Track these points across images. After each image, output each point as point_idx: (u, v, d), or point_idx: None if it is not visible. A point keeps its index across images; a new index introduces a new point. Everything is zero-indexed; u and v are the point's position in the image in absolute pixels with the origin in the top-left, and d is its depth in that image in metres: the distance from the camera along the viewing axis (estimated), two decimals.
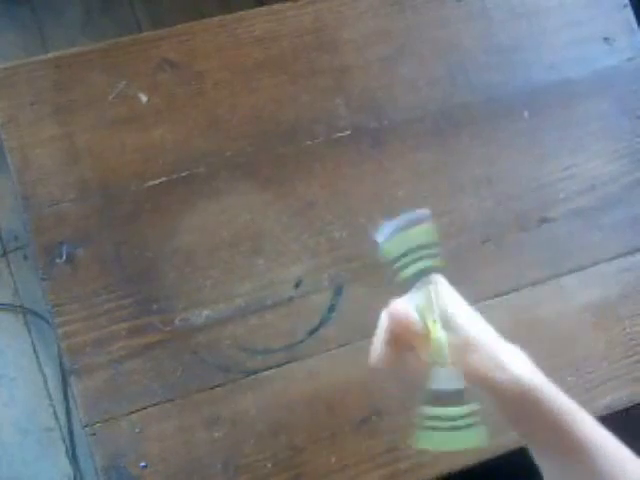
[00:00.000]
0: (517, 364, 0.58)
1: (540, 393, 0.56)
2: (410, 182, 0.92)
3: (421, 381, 0.58)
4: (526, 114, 0.97)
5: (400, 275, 0.61)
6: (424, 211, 0.61)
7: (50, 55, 0.88)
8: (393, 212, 0.91)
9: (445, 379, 0.57)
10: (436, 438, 0.56)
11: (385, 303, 0.62)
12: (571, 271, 0.93)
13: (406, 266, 0.60)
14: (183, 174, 0.87)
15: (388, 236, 0.61)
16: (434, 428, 0.56)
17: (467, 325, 0.59)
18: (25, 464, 1.42)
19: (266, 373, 0.84)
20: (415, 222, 0.61)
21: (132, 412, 0.80)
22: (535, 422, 0.57)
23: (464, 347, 0.57)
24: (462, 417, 0.55)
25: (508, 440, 0.85)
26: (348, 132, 0.92)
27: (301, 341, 0.86)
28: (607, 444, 0.56)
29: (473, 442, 0.55)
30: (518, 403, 0.57)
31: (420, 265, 0.60)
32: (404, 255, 0.60)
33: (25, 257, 1.50)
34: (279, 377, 0.84)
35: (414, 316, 0.58)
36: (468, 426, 0.55)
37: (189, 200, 0.87)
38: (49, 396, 1.45)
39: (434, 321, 0.57)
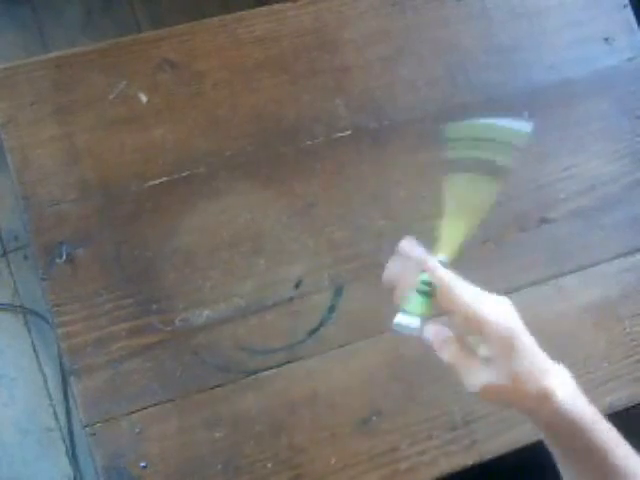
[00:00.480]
0: (561, 388, 0.57)
1: (580, 421, 0.56)
2: (410, 182, 0.92)
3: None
4: (526, 114, 0.97)
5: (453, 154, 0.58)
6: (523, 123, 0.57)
7: (50, 55, 0.88)
8: (393, 212, 0.91)
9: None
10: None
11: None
12: (571, 271, 0.93)
13: (469, 149, 0.57)
14: (183, 174, 0.87)
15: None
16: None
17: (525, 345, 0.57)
18: (25, 464, 1.42)
19: (266, 373, 0.84)
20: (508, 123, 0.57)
21: (132, 412, 0.80)
22: (572, 448, 0.57)
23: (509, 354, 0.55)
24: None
25: (508, 440, 0.86)
26: (348, 132, 0.92)
27: (301, 341, 0.86)
28: None
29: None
30: (558, 430, 0.56)
31: (485, 155, 0.57)
32: (472, 139, 0.58)
33: (25, 257, 1.50)
34: (279, 377, 0.84)
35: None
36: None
37: (189, 200, 0.87)
38: (49, 396, 1.45)
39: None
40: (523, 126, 0.57)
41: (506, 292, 0.90)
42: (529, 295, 0.92)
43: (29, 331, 1.47)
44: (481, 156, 0.58)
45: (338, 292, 0.87)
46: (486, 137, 0.57)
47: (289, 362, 0.85)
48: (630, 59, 1.02)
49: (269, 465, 0.82)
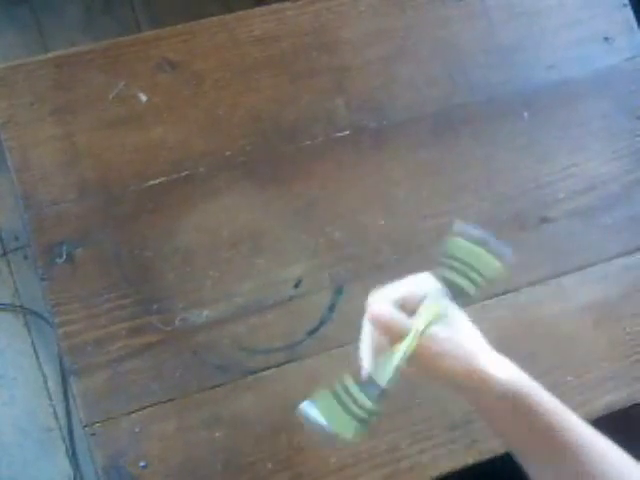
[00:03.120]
0: (502, 367, 0.57)
1: (528, 395, 0.56)
2: (410, 182, 0.92)
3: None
4: (526, 114, 0.97)
5: (439, 270, 0.60)
6: (508, 252, 0.61)
7: (50, 55, 0.88)
8: (393, 212, 0.91)
9: (382, 373, 0.58)
10: (328, 405, 0.58)
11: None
12: (571, 271, 0.93)
13: (449, 268, 0.60)
14: (183, 174, 0.87)
15: (467, 236, 0.60)
16: (336, 397, 0.57)
17: (459, 324, 0.59)
18: (25, 464, 1.42)
19: (266, 373, 0.84)
20: (494, 250, 0.60)
21: (132, 412, 0.80)
22: (524, 424, 0.57)
23: (447, 347, 0.57)
24: (363, 409, 0.56)
25: None
26: (348, 132, 0.92)
27: (301, 341, 0.86)
28: (603, 446, 0.56)
29: (350, 433, 0.56)
30: (505, 408, 0.57)
31: (458, 279, 0.60)
32: (456, 259, 0.60)
33: (25, 257, 1.50)
34: (279, 377, 0.84)
35: (396, 317, 0.58)
36: (359, 419, 0.56)
37: (189, 200, 0.87)
38: (49, 396, 1.45)
39: (417, 330, 0.57)
40: (506, 255, 0.61)
41: (505, 292, 0.91)
42: (529, 295, 0.92)
43: (29, 331, 1.47)
44: (455, 280, 0.60)
45: (338, 292, 0.87)
46: (467, 261, 0.60)
47: (289, 362, 0.85)
48: (630, 59, 1.02)
49: (269, 465, 0.81)
